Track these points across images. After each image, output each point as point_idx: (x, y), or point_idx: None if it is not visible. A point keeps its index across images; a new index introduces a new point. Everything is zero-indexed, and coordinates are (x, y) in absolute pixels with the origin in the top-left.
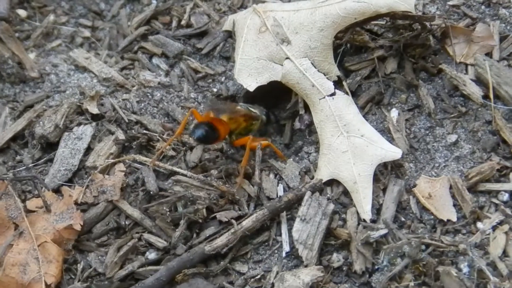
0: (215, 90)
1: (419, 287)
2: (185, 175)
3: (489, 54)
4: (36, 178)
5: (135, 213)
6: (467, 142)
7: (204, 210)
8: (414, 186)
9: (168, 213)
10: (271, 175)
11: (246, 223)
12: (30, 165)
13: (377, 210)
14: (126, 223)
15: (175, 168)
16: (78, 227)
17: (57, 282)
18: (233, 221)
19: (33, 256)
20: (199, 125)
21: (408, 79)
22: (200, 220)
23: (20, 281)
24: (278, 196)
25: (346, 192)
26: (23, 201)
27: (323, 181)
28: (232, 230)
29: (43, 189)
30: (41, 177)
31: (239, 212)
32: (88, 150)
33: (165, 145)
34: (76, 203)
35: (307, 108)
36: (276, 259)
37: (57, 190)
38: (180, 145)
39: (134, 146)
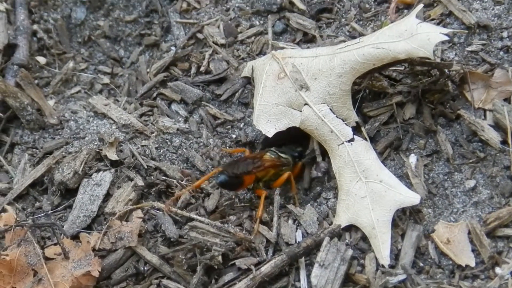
0: (234, 136)
1: None
2: (202, 222)
3: (507, 100)
4: (55, 225)
5: (154, 259)
6: (485, 187)
7: (220, 256)
8: (433, 231)
9: (184, 260)
10: (290, 221)
11: (265, 268)
12: (49, 211)
13: (395, 255)
14: (145, 269)
15: (192, 215)
16: (96, 274)
17: None
18: (252, 266)
19: None
20: (223, 172)
21: (426, 125)
22: (216, 267)
23: None
24: (297, 242)
25: (364, 238)
26: (42, 247)
27: (341, 227)
28: (251, 276)
29: (62, 236)
30: (60, 223)
31: (258, 258)
32: (107, 196)
33: (180, 193)
34: (94, 249)
35: (326, 154)
36: None
37: (75, 237)
38: (198, 191)
39: (152, 193)
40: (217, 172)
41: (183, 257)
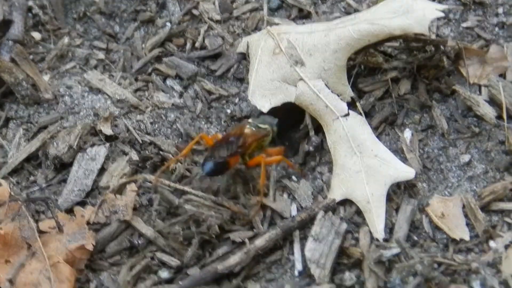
0: (228, 111)
1: None
2: (196, 195)
3: (502, 75)
4: (49, 199)
5: (149, 232)
6: (480, 162)
7: (217, 226)
8: (427, 205)
9: (181, 232)
10: (285, 195)
11: (259, 242)
12: (44, 185)
13: (390, 229)
14: (139, 242)
15: (186, 188)
16: (90, 247)
17: None
18: (246, 240)
19: (45, 276)
20: (208, 159)
21: (421, 100)
22: (214, 237)
23: None
24: (291, 216)
25: (359, 212)
26: (36, 221)
27: (336, 201)
28: (245, 249)
29: (56, 210)
30: (54, 197)
31: (253, 231)
32: (102, 170)
33: (168, 164)
34: (88, 223)
35: (320, 129)
36: (288, 278)
37: (70, 211)
38: (193, 164)
39: (148, 167)
40: (202, 161)
41: (180, 229)
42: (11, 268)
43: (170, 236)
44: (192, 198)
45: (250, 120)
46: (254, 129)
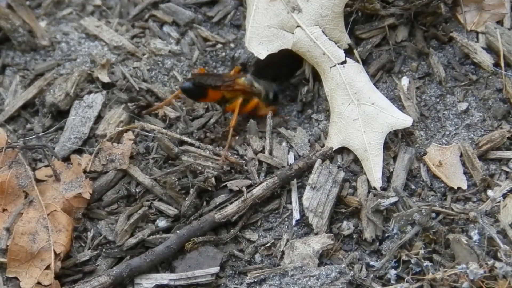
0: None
1: (429, 254)
2: (193, 145)
3: (500, 22)
4: (46, 147)
5: (146, 180)
6: (477, 110)
7: (213, 178)
8: (425, 154)
9: (177, 182)
10: (283, 144)
11: (257, 191)
12: (41, 133)
13: (387, 178)
14: (137, 190)
15: (184, 138)
16: (87, 196)
17: (66, 251)
18: (244, 188)
19: (42, 225)
20: (190, 79)
21: (419, 47)
22: (210, 189)
23: (29, 250)
24: (289, 164)
25: (356, 160)
26: (33, 169)
27: (333, 149)
28: (242, 198)
29: (53, 158)
30: (51, 145)
31: (250, 181)
32: (99, 118)
33: (156, 107)
34: (85, 171)
35: (318, 76)
36: (286, 227)
37: (66, 159)
38: (190, 118)
39: (144, 115)
40: (185, 79)
41: (176, 179)
42: (8, 217)
43: (167, 185)
44: (189, 149)
45: (249, 75)
46: (247, 82)
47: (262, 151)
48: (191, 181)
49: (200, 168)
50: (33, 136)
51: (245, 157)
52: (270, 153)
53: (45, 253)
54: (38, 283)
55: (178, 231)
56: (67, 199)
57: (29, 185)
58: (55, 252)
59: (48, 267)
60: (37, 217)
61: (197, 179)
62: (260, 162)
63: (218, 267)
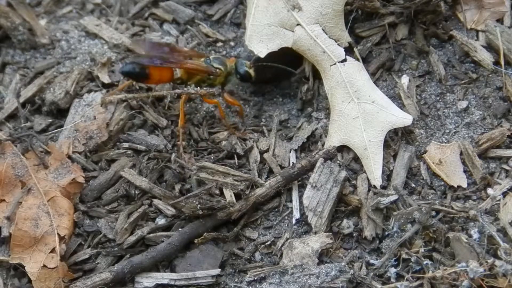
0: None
1: (429, 253)
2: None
3: (500, 20)
4: (31, 135)
5: (144, 184)
6: (477, 108)
7: (233, 195)
8: (425, 152)
9: (199, 205)
10: (285, 142)
11: (260, 189)
12: (40, 130)
13: (387, 176)
14: (136, 192)
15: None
16: (81, 180)
17: (70, 234)
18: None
19: (43, 210)
20: (131, 61)
21: (419, 46)
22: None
23: (33, 234)
24: (291, 163)
25: (356, 158)
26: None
27: (335, 148)
28: (245, 197)
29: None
30: (52, 143)
31: (254, 179)
32: None
33: (111, 93)
34: (69, 157)
35: (318, 74)
36: (286, 225)
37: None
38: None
39: (143, 105)
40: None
41: (197, 203)
42: (7, 207)
43: (188, 210)
44: (206, 165)
45: (212, 56)
46: (205, 63)
47: (267, 150)
48: (212, 205)
49: (218, 191)
50: (29, 133)
51: (248, 156)
52: (273, 152)
53: (48, 237)
54: (44, 266)
55: (180, 229)
56: (62, 186)
57: (26, 174)
58: (59, 235)
59: (53, 250)
60: (37, 203)
61: (219, 204)
62: (263, 161)
63: (219, 269)
